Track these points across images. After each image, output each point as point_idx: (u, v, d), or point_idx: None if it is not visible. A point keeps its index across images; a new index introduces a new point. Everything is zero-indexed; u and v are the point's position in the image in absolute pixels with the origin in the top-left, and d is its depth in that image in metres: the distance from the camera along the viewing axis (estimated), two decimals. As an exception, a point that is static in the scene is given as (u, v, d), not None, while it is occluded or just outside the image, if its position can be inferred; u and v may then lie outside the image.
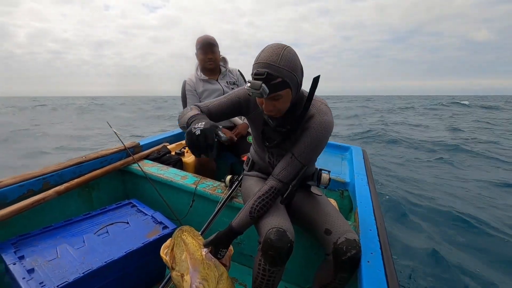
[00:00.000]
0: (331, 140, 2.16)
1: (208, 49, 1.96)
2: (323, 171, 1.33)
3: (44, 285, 0.99)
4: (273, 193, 1.08)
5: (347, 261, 0.98)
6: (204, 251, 1.07)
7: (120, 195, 1.81)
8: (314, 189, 1.27)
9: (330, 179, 1.32)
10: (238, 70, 2.16)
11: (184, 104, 2.08)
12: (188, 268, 1.03)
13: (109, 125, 1.62)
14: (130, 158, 1.74)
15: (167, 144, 2.07)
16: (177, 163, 1.90)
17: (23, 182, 1.28)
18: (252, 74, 0.95)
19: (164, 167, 1.77)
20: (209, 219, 1.30)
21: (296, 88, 1.00)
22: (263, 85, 0.91)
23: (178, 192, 1.63)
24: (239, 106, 1.18)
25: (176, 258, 1.07)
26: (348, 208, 1.80)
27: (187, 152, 2.06)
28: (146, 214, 1.47)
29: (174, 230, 1.39)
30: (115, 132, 1.65)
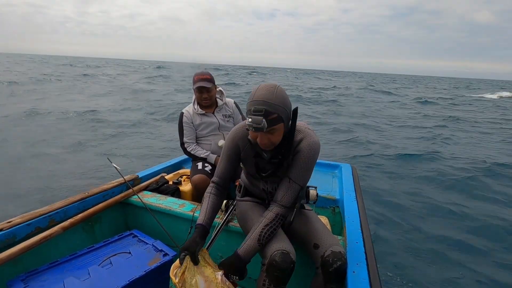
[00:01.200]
0: (322, 159, 2.28)
1: (203, 90, 2.08)
2: (310, 188, 1.44)
3: (54, 317, 1.05)
4: (279, 219, 1.19)
5: (334, 272, 1.06)
6: (220, 274, 1.13)
7: (122, 226, 1.88)
8: (305, 206, 1.37)
9: (317, 194, 1.43)
10: (234, 102, 2.29)
11: (181, 134, 2.18)
12: None
13: (110, 161, 1.74)
14: (130, 190, 1.84)
15: (165, 174, 2.18)
16: (175, 192, 1.99)
17: (30, 221, 1.37)
18: (250, 110, 1.07)
19: (163, 196, 1.86)
20: (208, 243, 1.38)
21: (288, 122, 1.14)
22: (264, 120, 1.04)
23: (176, 220, 1.71)
24: (236, 156, 1.31)
25: (186, 282, 1.12)
26: (340, 224, 1.88)
27: (184, 181, 2.16)
28: (147, 243, 1.55)
29: (174, 256, 1.46)
30: (116, 168, 1.76)
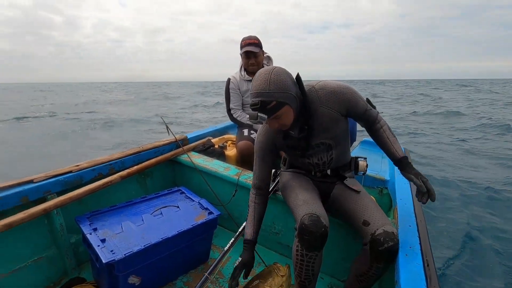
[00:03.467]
0: (369, 138, 2.14)
1: (250, 55, 2.02)
2: (359, 158, 1.36)
3: (114, 252, 1.17)
4: (385, 123, 1.23)
5: (384, 252, 1.01)
6: None
7: (170, 182, 2.00)
8: (352, 184, 1.29)
9: (367, 165, 1.35)
10: None
11: (228, 101, 2.18)
12: None
13: (162, 120, 1.80)
14: (180, 149, 1.92)
15: (211, 138, 2.23)
16: (220, 155, 2.03)
17: (94, 167, 1.50)
18: (250, 104, 1.07)
19: (209, 158, 1.91)
20: None
21: (295, 101, 1.08)
22: (259, 114, 1.04)
23: (221, 182, 1.76)
24: (270, 154, 1.30)
25: None
26: (387, 206, 1.79)
27: (229, 146, 2.19)
28: (193, 200, 1.63)
29: (218, 216, 1.52)
30: (167, 126, 1.83)
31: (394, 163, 1.20)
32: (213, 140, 2.20)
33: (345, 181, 1.30)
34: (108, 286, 1.26)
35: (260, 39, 2.06)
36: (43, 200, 1.29)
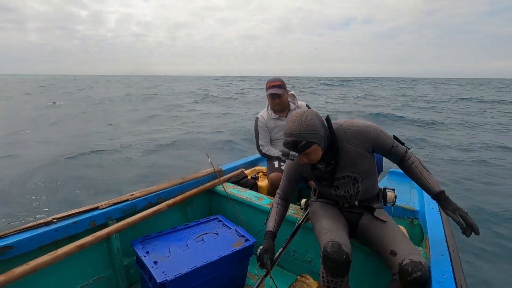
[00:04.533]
0: (397, 168, 2.19)
1: (275, 96, 2.22)
2: (387, 190, 1.44)
3: (166, 273, 1.31)
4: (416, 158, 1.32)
5: (413, 282, 1.05)
6: None
7: (207, 211, 2.16)
8: (381, 215, 1.36)
9: (395, 197, 1.42)
10: (306, 105, 2.40)
11: (257, 137, 2.37)
12: None
13: (207, 155, 2.02)
14: (217, 180, 2.09)
15: (244, 169, 2.40)
16: (253, 186, 2.18)
17: (146, 196, 1.70)
18: (283, 143, 1.23)
19: (243, 189, 2.07)
20: (287, 239, 1.50)
21: (323, 140, 1.23)
22: (291, 152, 1.19)
23: (255, 211, 1.89)
24: (296, 176, 1.48)
25: None
26: (418, 237, 1.80)
27: (260, 177, 2.35)
28: (230, 228, 1.76)
29: (254, 243, 1.63)
30: (210, 161, 2.04)
31: (432, 198, 1.26)
32: (246, 172, 2.37)
33: (373, 212, 1.38)
34: (158, 306, 1.39)
35: (281, 79, 2.26)
36: (105, 225, 1.49)
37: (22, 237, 1.21)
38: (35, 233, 1.25)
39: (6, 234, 1.21)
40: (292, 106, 2.33)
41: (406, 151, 1.30)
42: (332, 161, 1.30)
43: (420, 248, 1.38)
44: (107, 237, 1.45)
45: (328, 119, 1.26)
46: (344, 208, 1.44)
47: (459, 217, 1.13)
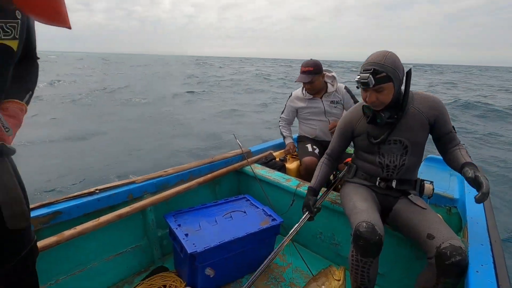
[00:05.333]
0: (437, 155, 2.06)
1: (305, 81, 2.17)
2: (425, 181, 1.36)
3: (196, 245, 1.38)
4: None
5: (451, 267, 1.00)
6: None
7: (235, 190, 2.21)
8: (418, 202, 1.30)
9: (433, 189, 1.34)
10: (345, 87, 2.29)
11: (283, 109, 2.47)
12: None
13: (234, 137, 2.06)
14: (245, 161, 2.12)
15: (272, 151, 2.40)
16: (281, 168, 2.18)
17: (178, 173, 1.78)
18: (360, 72, 1.21)
19: (271, 170, 2.08)
20: (323, 193, 1.58)
21: (398, 83, 1.20)
22: (370, 76, 1.16)
23: (281, 192, 1.90)
24: (348, 134, 1.45)
25: None
26: (456, 227, 1.70)
27: (289, 159, 2.33)
28: (257, 207, 1.79)
29: (281, 222, 1.65)
30: (238, 143, 2.07)
31: (459, 170, 1.21)
32: (274, 154, 2.37)
33: (409, 197, 1.32)
34: (188, 275, 1.48)
35: (316, 63, 2.17)
36: (141, 198, 1.60)
37: (69, 204, 1.34)
38: (80, 202, 1.37)
39: (57, 201, 1.35)
40: (329, 88, 2.26)
41: (459, 142, 1.29)
42: (396, 115, 1.26)
43: (458, 237, 1.30)
44: (143, 209, 1.55)
45: (409, 71, 1.24)
46: (379, 190, 1.39)
47: (474, 174, 1.10)
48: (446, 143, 1.29)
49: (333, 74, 2.28)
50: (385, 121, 1.25)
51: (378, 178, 1.38)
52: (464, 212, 1.50)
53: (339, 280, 1.33)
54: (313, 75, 2.16)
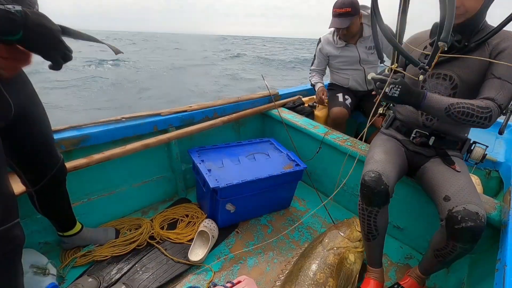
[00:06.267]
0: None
1: (343, 26, 1.83)
2: (478, 144, 1.22)
3: (218, 181, 1.39)
4: (484, 113, 0.99)
5: (461, 231, 0.93)
6: None
7: (259, 133, 2.17)
8: (453, 163, 1.16)
9: (485, 156, 1.20)
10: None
11: (313, 60, 2.21)
12: None
13: (262, 77, 1.92)
14: (272, 104, 2.02)
15: (302, 96, 2.26)
16: (309, 114, 2.07)
17: (203, 110, 1.73)
18: None
19: (299, 115, 1.98)
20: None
21: (486, 7, 1.02)
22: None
23: (308, 138, 1.82)
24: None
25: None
26: (493, 191, 1.59)
27: (318, 106, 2.20)
28: (282, 152, 1.75)
29: (304, 168, 1.61)
30: (265, 83, 1.94)
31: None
32: (304, 99, 2.23)
33: (448, 156, 1.19)
34: (210, 208, 1.53)
35: (354, 2, 1.80)
36: (166, 131, 1.59)
37: (98, 130, 1.35)
38: (108, 128, 1.38)
39: (85, 124, 1.36)
40: (366, 31, 1.94)
41: (496, 99, 1.01)
42: (467, 42, 1.07)
43: (496, 201, 1.21)
44: (168, 142, 1.55)
45: None
46: (412, 145, 1.27)
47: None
48: (482, 89, 1.05)
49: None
50: (450, 43, 1.01)
51: (415, 131, 1.24)
52: (509, 176, 1.38)
53: (361, 232, 1.32)
54: (351, 17, 1.81)
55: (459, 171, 1.13)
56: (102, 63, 13.62)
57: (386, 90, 1.04)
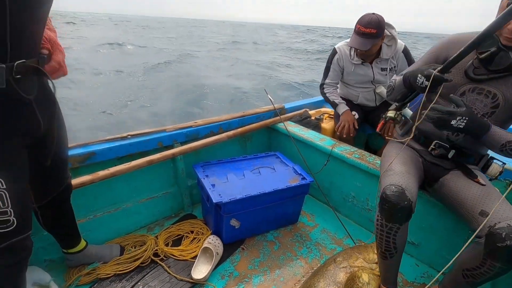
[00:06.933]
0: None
1: (365, 48, 1.67)
2: (495, 161, 1.15)
3: (221, 196, 1.37)
4: None
5: (503, 250, 0.85)
6: None
7: (266, 147, 2.15)
8: (474, 176, 1.11)
9: (502, 172, 1.13)
10: (404, 50, 1.82)
11: (325, 74, 1.99)
12: None
13: (265, 91, 1.93)
14: (277, 118, 2.02)
15: (308, 109, 2.25)
16: (316, 127, 2.05)
17: (208, 125, 1.75)
18: None
19: (305, 128, 1.96)
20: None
21: None
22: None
23: (315, 151, 1.79)
24: (437, 59, 1.16)
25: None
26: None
27: (325, 119, 2.18)
28: (287, 165, 1.72)
29: (311, 182, 1.57)
30: (270, 98, 1.95)
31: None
32: (310, 112, 2.22)
33: (469, 168, 1.13)
34: (214, 224, 1.50)
35: (381, 22, 1.63)
36: (171, 146, 1.60)
37: (103, 147, 1.38)
38: (113, 145, 1.41)
39: (91, 142, 1.39)
40: (384, 52, 1.78)
41: None
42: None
43: None
44: (173, 157, 1.56)
45: None
46: (429, 157, 1.21)
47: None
48: None
49: (394, 32, 1.75)
50: (504, 65, 0.99)
51: (435, 142, 1.17)
52: None
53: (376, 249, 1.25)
54: (374, 39, 1.66)
55: (484, 184, 1.06)
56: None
57: (453, 123, 0.98)
